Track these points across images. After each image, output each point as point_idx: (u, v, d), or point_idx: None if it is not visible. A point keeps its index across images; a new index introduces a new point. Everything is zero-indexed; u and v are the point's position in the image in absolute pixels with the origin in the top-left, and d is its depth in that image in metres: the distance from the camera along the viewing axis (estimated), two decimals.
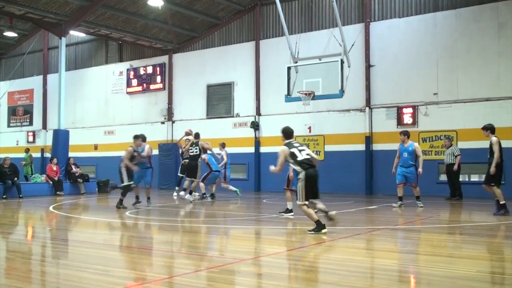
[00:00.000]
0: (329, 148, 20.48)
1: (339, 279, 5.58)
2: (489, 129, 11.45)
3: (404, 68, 19.21)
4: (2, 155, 23.17)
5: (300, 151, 8.71)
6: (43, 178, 20.24)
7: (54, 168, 20.16)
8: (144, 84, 26.22)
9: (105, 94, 27.86)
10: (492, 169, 10.94)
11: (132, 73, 26.66)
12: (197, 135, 15.84)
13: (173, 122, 25.34)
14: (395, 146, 18.98)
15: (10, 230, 10.53)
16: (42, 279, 5.75)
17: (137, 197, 14.07)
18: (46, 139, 29.11)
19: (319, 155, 20.80)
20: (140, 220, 11.23)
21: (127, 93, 26.86)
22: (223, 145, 18.10)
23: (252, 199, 17.77)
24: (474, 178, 18.35)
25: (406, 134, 13.78)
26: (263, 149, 22.16)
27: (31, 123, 30.96)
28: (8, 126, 32.14)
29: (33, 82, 30.82)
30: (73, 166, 20.99)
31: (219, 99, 23.95)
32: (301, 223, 10.63)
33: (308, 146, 20.94)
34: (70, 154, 21.94)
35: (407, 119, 18.93)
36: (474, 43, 18.00)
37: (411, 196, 16.95)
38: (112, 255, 7.22)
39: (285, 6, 21.35)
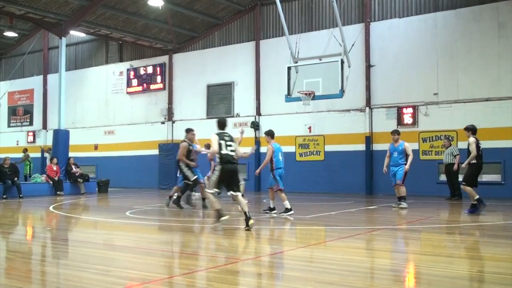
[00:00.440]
0: (329, 148, 20.49)
1: (340, 279, 5.58)
2: (471, 130, 11.66)
3: (404, 68, 19.21)
4: (2, 155, 23.20)
5: (226, 146, 9.19)
6: (43, 178, 20.24)
7: (54, 168, 20.16)
8: (144, 84, 26.22)
9: (105, 94, 27.87)
10: (465, 164, 11.57)
11: (132, 73, 26.66)
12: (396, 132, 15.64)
13: (173, 122, 25.34)
14: None
15: (10, 230, 10.53)
16: (42, 279, 5.75)
17: (170, 197, 13.60)
18: (46, 139, 29.12)
19: (319, 155, 20.82)
20: (140, 220, 11.23)
21: (127, 93, 26.87)
22: (208, 146, 18.17)
23: (252, 199, 17.77)
24: None
25: (398, 133, 13.67)
26: (263, 149, 22.12)
27: (31, 123, 30.97)
28: (8, 126, 32.14)
29: (33, 82, 30.82)
30: (73, 166, 20.99)
31: (219, 99, 23.95)
32: (301, 223, 10.64)
33: (308, 146, 21.04)
34: (70, 154, 21.95)
35: (407, 119, 18.93)
36: (474, 43, 18.00)
37: (412, 196, 16.98)
38: (112, 255, 7.22)
39: (285, 6, 21.35)
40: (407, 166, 13.10)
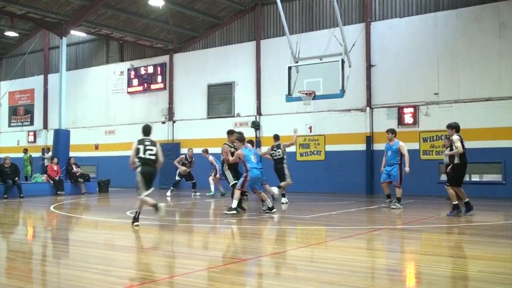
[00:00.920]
0: (329, 148, 20.48)
1: (340, 279, 5.58)
2: (454, 127, 11.37)
3: (405, 68, 19.21)
4: (3, 155, 23.22)
5: (145, 150, 9.94)
6: (44, 178, 20.25)
7: (55, 168, 20.17)
8: (145, 84, 26.23)
9: (105, 94, 27.88)
10: (445, 154, 11.72)
11: (132, 73, 26.67)
12: (277, 137, 15.17)
13: (173, 122, 25.35)
14: None
15: (11, 230, 10.54)
16: (43, 278, 5.76)
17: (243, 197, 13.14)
18: (47, 139, 29.13)
19: (320, 155, 20.82)
20: (140, 220, 11.23)
21: (128, 93, 26.87)
22: (206, 151, 18.41)
23: (252, 199, 17.77)
24: (475, 178, 18.36)
25: (393, 132, 13.52)
26: (264, 149, 22.14)
27: (32, 123, 30.98)
28: (9, 126, 32.17)
29: (34, 82, 30.84)
30: (73, 166, 21.00)
31: (219, 99, 23.96)
32: (302, 223, 10.63)
33: (308, 146, 21.03)
34: (71, 154, 21.96)
35: (408, 119, 18.93)
36: (475, 43, 17.99)
37: (412, 196, 16.98)
38: (112, 255, 7.22)
39: (286, 6, 21.35)
40: (407, 168, 12.99)
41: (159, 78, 25.72)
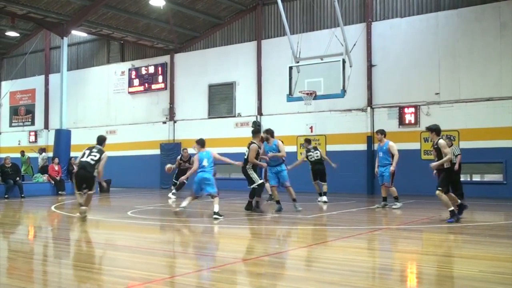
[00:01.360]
0: (330, 148, 20.46)
1: (341, 279, 5.58)
2: (434, 130, 10.53)
3: (406, 68, 19.20)
4: (4, 155, 23.23)
5: (88, 154, 11.34)
6: (45, 178, 20.26)
7: (56, 168, 20.18)
8: (146, 84, 26.23)
9: (107, 94, 27.89)
10: (435, 165, 10.32)
11: (133, 73, 26.67)
12: (309, 141, 15.87)
13: (174, 122, 25.35)
14: (397, 146, 19.01)
15: (12, 230, 10.55)
16: (44, 278, 5.76)
17: (277, 202, 12.54)
18: (48, 139, 29.14)
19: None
20: (141, 219, 11.24)
21: (129, 93, 26.88)
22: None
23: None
24: (476, 178, 18.35)
25: (383, 133, 13.47)
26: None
27: (33, 123, 31.00)
28: (10, 126, 32.18)
29: (35, 82, 30.85)
30: (75, 166, 20.98)
31: (220, 99, 23.96)
32: (302, 222, 10.63)
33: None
34: (72, 154, 21.95)
35: (409, 119, 18.92)
36: (476, 43, 17.97)
37: (413, 196, 16.98)
38: (113, 255, 7.23)
39: (286, 5, 21.34)
40: (392, 167, 12.99)
41: (160, 78, 25.72)
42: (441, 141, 10.31)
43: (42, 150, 25.19)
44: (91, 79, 28.60)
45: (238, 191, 19.95)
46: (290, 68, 15.50)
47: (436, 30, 18.77)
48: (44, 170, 22.06)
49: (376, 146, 19.40)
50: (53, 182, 19.87)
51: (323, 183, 15.42)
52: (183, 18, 23.76)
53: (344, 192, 19.46)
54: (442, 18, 18.69)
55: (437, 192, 10.08)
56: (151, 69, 26.09)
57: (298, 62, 15.50)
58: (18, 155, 25.44)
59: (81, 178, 11.05)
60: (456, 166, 15.95)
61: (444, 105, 18.40)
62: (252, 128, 15.46)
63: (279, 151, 12.25)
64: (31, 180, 21.17)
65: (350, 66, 14.79)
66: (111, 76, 27.77)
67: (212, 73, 24.14)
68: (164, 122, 25.60)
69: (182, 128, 25.03)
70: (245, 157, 12.19)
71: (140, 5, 22.31)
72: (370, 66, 19.77)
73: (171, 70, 25.56)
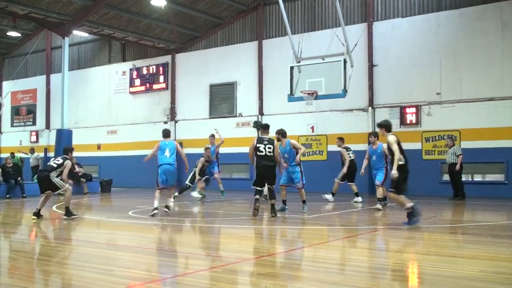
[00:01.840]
0: (331, 148, 20.41)
1: (342, 278, 5.58)
2: (384, 126, 9.85)
3: (407, 67, 19.18)
4: (5, 155, 23.24)
5: (53, 160, 11.66)
6: None
7: None
8: (147, 84, 26.24)
9: (108, 94, 27.90)
10: (394, 171, 9.34)
11: (135, 72, 26.68)
12: (342, 140, 15.77)
13: (176, 121, 25.35)
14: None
15: (13, 230, 10.56)
16: (45, 278, 5.76)
17: (283, 201, 12.40)
18: (49, 139, 29.16)
19: (322, 155, 20.81)
20: (142, 219, 11.25)
21: (130, 92, 26.89)
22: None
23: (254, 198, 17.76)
24: (477, 178, 18.33)
25: (376, 135, 12.93)
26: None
27: (34, 123, 31.02)
28: (12, 125, 32.21)
29: (36, 82, 30.88)
30: (76, 166, 21.00)
31: (222, 98, 23.96)
32: (303, 222, 10.63)
33: (311, 145, 21.02)
34: (73, 154, 21.94)
35: (410, 119, 18.90)
36: (478, 43, 17.96)
37: (414, 196, 16.94)
38: (115, 255, 7.23)
39: (288, 5, 21.33)
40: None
41: (161, 78, 25.73)
42: (391, 137, 9.54)
43: (33, 150, 25.14)
44: (92, 79, 28.61)
45: (240, 191, 19.97)
46: (291, 68, 15.50)
47: (437, 30, 18.75)
48: (36, 170, 22.06)
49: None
50: None
51: (351, 183, 15.31)
52: (184, 18, 23.77)
53: (345, 192, 19.43)
54: (443, 18, 18.67)
55: (391, 194, 9.44)
56: (152, 69, 26.09)
57: (299, 62, 15.50)
58: (18, 155, 25.41)
59: (40, 179, 11.50)
60: (458, 166, 15.97)
61: (445, 105, 18.38)
62: (254, 127, 15.36)
63: (295, 151, 12.08)
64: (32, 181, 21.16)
65: (351, 66, 14.79)
66: (112, 76, 27.78)
67: (213, 73, 24.14)
68: (165, 122, 25.60)
69: (183, 128, 25.03)
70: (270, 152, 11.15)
71: (141, 5, 22.32)
72: (371, 66, 19.76)
73: (172, 70, 25.57)
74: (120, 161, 26.31)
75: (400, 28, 19.50)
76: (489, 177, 18.24)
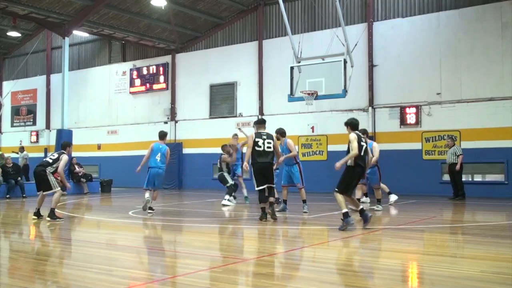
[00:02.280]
0: (332, 148, 20.44)
1: (342, 279, 5.58)
2: (349, 124, 9.68)
3: (407, 68, 19.18)
4: (6, 155, 23.19)
5: (49, 156, 11.59)
6: None
7: None
8: (147, 84, 26.24)
9: (108, 94, 27.91)
10: (338, 163, 9.17)
11: (135, 73, 26.68)
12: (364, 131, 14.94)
13: (176, 122, 25.36)
14: (398, 146, 19.10)
15: (13, 230, 10.56)
16: (45, 278, 5.76)
17: (284, 201, 12.48)
18: (49, 139, 29.17)
19: (322, 155, 20.81)
20: (142, 220, 11.25)
21: (130, 93, 26.89)
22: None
23: (254, 198, 17.76)
24: (477, 178, 18.33)
25: (364, 132, 13.06)
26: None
27: (34, 123, 31.03)
28: (12, 126, 32.21)
29: (37, 82, 30.88)
30: (76, 166, 21.03)
31: (222, 99, 23.97)
32: (303, 223, 10.63)
33: (311, 146, 21.03)
34: (73, 154, 21.96)
35: (410, 119, 18.90)
36: (478, 43, 17.96)
37: (415, 196, 16.96)
38: (115, 255, 7.23)
39: (288, 6, 21.34)
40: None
41: (162, 78, 25.73)
42: (351, 135, 9.30)
43: (23, 148, 25.05)
44: (93, 79, 28.62)
45: (239, 191, 19.95)
46: (292, 68, 15.50)
47: (437, 30, 18.76)
48: (25, 169, 22.01)
49: (379, 146, 19.44)
50: None
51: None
52: (185, 18, 23.78)
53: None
54: (444, 18, 18.67)
55: (334, 192, 9.15)
56: (153, 69, 26.09)
57: (299, 62, 15.49)
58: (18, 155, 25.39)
59: (35, 174, 11.30)
60: (458, 166, 15.96)
61: (445, 105, 18.38)
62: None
63: (290, 151, 12.20)
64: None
65: (352, 66, 14.78)
66: (112, 76, 27.79)
67: (214, 73, 24.15)
68: (166, 122, 25.60)
69: (184, 128, 25.04)
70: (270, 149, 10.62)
71: (142, 5, 22.33)
72: (371, 66, 19.77)
73: (172, 70, 25.58)
74: (120, 161, 26.31)
75: (400, 28, 19.51)
76: (489, 177, 18.24)
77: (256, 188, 10.45)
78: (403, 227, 9.82)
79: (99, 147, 27.86)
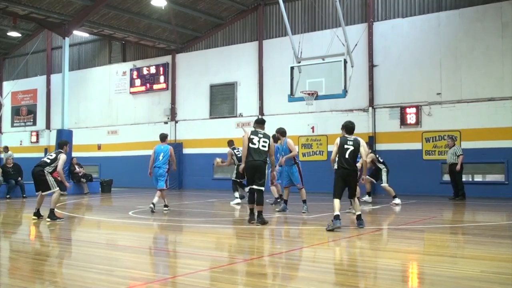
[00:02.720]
0: (332, 148, 20.42)
1: (343, 279, 5.58)
2: (345, 127, 10.33)
3: (408, 68, 19.18)
4: (6, 155, 23.17)
5: (47, 156, 11.53)
6: None
7: None
8: (147, 84, 26.24)
9: (108, 94, 27.91)
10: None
11: (135, 73, 26.69)
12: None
13: (176, 122, 25.36)
14: (398, 146, 19.10)
15: (13, 230, 10.56)
16: (45, 278, 5.76)
17: (285, 201, 12.50)
18: (49, 139, 29.18)
19: (322, 155, 20.81)
20: (143, 220, 11.25)
21: (130, 93, 26.90)
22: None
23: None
24: (478, 178, 18.33)
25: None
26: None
27: (34, 123, 31.03)
28: (12, 126, 32.21)
29: (37, 82, 30.89)
30: (76, 166, 21.03)
31: (222, 99, 23.96)
32: (304, 223, 10.63)
33: (311, 146, 21.03)
34: (74, 154, 21.99)
35: (411, 119, 18.90)
36: (478, 43, 17.96)
37: (415, 196, 16.96)
38: (115, 255, 7.23)
39: (288, 6, 21.34)
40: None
41: (162, 78, 25.73)
42: (337, 139, 9.97)
43: (7, 148, 24.96)
44: (93, 79, 28.62)
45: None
46: (292, 68, 15.49)
47: (437, 30, 18.75)
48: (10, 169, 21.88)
49: (379, 146, 19.49)
50: None
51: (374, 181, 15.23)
52: (185, 18, 23.78)
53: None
54: (444, 18, 18.67)
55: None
56: (153, 69, 26.10)
57: (299, 62, 15.49)
58: (20, 155, 25.40)
59: (33, 175, 11.18)
60: (458, 167, 15.96)
61: (445, 105, 18.38)
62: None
63: (290, 151, 12.21)
64: None
65: (352, 66, 14.78)
66: (112, 76, 27.79)
67: (214, 73, 24.15)
68: (166, 122, 25.61)
69: (184, 128, 25.04)
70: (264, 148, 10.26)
71: (142, 5, 22.33)
72: (371, 66, 19.76)
73: (172, 70, 25.58)
74: (120, 161, 26.33)
75: (400, 28, 19.50)
76: (490, 177, 18.24)
77: (246, 189, 10.46)
78: (403, 227, 9.82)
79: (99, 147, 27.86)
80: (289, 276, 5.85)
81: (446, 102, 18.39)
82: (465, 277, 5.54)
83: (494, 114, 17.41)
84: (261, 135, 10.23)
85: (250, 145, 10.06)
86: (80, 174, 20.83)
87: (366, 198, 15.12)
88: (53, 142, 25.97)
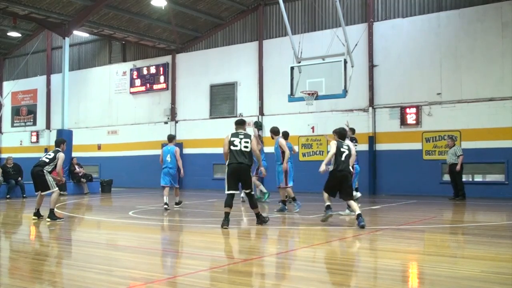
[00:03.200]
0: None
1: (343, 279, 5.58)
2: (337, 133, 10.41)
3: (408, 68, 19.18)
4: (6, 155, 23.22)
5: (44, 155, 11.57)
6: None
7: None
8: (148, 84, 26.26)
9: (108, 94, 27.92)
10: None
11: (135, 73, 26.70)
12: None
13: (176, 122, 25.36)
14: (398, 146, 19.11)
15: (13, 230, 10.56)
16: (45, 278, 5.76)
17: (283, 202, 12.43)
18: (49, 139, 29.19)
19: (323, 155, 20.79)
20: (143, 220, 11.25)
21: (131, 93, 26.91)
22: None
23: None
24: (478, 178, 18.33)
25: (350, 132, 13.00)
26: (266, 149, 22.09)
27: (34, 123, 31.04)
28: (12, 126, 32.22)
29: (37, 82, 30.90)
30: (76, 166, 21.03)
31: (222, 99, 23.97)
32: (304, 223, 10.62)
33: (311, 146, 21.04)
34: (74, 154, 21.99)
35: (411, 119, 18.90)
36: (478, 43, 17.96)
37: (415, 196, 16.97)
38: (115, 255, 7.22)
39: (288, 6, 21.35)
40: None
41: (162, 78, 25.74)
42: (332, 142, 10.14)
43: None
44: (93, 79, 28.63)
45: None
46: (292, 68, 15.49)
47: (437, 30, 18.75)
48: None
49: (379, 146, 19.50)
50: None
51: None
52: (185, 19, 23.78)
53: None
54: (444, 18, 18.67)
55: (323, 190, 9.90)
56: (153, 69, 26.11)
57: (299, 62, 15.49)
58: (20, 155, 25.40)
59: (32, 175, 11.16)
60: (458, 167, 15.96)
61: (445, 105, 18.38)
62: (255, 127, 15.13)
63: (281, 151, 12.26)
64: None
65: (352, 66, 14.78)
66: (112, 76, 27.80)
67: (214, 73, 24.15)
68: (166, 122, 25.61)
69: (184, 128, 25.04)
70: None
71: (142, 6, 22.34)
72: (371, 66, 19.77)
73: (172, 70, 25.58)
74: (120, 161, 26.34)
75: (400, 29, 19.51)
76: (490, 178, 18.24)
77: (226, 192, 9.59)
78: (404, 227, 9.82)
79: (99, 147, 27.86)
80: (289, 276, 5.85)
81: (446, 102, 18.39)
82: (465, 277, 5.54)
83: (494, 114, 17.41)
84: (242, 136, 9.88)
85: (232, 147, 9.71)
86: (80, 174, 20.83)
87: (355, 193, 14.87)
88: (53, 142, 25.92)
